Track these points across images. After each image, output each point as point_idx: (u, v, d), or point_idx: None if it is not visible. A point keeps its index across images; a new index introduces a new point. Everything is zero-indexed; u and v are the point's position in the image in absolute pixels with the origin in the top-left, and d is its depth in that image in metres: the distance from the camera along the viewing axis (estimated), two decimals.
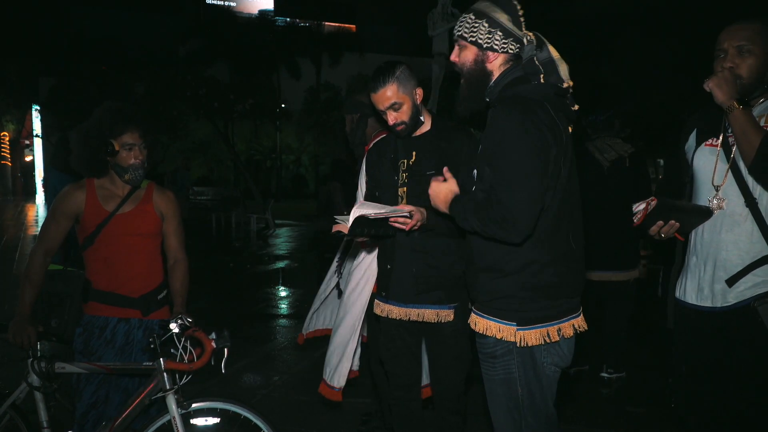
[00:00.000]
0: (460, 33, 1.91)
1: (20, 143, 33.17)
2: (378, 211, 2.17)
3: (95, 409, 2.46)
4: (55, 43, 25.02)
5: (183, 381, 2.16)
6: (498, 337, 1.87)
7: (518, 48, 1.87)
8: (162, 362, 2.14)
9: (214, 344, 2.10)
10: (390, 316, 2.55)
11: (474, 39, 1.87)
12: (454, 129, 2.57)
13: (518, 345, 1.85)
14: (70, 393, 2.56)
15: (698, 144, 2.11)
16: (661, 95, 20.46)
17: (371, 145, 3.02)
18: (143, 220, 2.53)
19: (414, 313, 2.50)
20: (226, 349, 2.14)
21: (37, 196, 30.27)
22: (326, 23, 31.77)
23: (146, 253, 2.55)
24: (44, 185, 28.09)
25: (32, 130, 31.42)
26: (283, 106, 27.51)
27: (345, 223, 2.20)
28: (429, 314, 2.49)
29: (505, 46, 1.86)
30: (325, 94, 28.46)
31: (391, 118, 2.41)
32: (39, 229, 2.56)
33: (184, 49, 27.40)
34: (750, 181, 1.93)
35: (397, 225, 2.26)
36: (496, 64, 1.90)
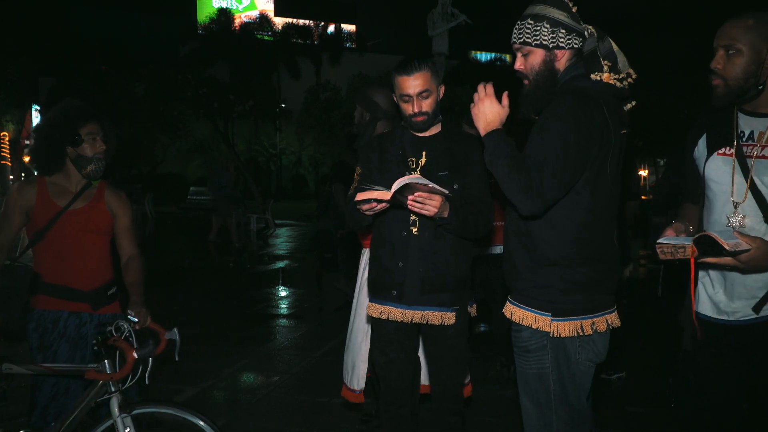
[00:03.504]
0: (522, 40, 1.93)
1: (20, 143, 33.14)
2: (424, 183, 2.13)
3: (56, 401, 2.47)
4: (55, 43, 24.96)
5: (127, 384, 2.14)
6: (534, 327, 1.92)
7: (581, 42, 1.91)
8: (107, 365, 2.11)
9: (135, 354, 2.07)
10: (390, 319, 2.47)
11: (539, 42, 1.90)
12: (462, 133, 2.57)
13: (552, 335, 1.89)
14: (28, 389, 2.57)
15: (710, 152, 1.96)
16: (662, 95, 20.45)
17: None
18: (95, 217, 2.55)
19: (418, 315, 2.44)
20: (151, 360, 2.13)
21: None
22: (326, 23, 31.74)
23: (97, 249, 2.58)
24: None
25: (32, 130, 31.35)
26: (282, 106, 27.47)
27: (378, 190, 2.14)
28: (433, 317, 2.43)
29: (569, 41, 1.90)
30: (325, 94, 28.41)
31: (416, 106, 2.37)
32: None
33: (184, 49, 27.36)
34: None
35: (422, 210, 2.21)
36: (563, 61, 1.93)
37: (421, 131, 2.46)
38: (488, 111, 1.93)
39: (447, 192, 2.20)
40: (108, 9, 29.80)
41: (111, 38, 25.49)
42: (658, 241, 1.79)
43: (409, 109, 2.39)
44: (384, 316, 2.49)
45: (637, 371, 4.30)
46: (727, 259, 1.71)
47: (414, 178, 2.14)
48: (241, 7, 33.15)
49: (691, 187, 2.09)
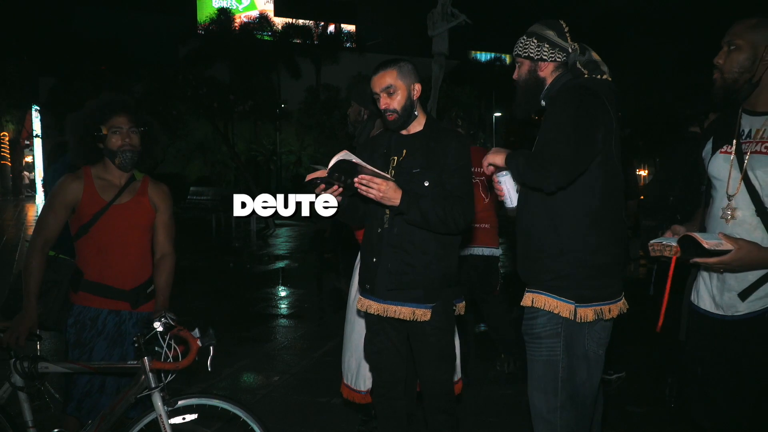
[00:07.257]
0: (516, 53, 2.25)
1: (20, 143, 33.16)
2: (361, 163, 2.20)
3: (90, 398, 2.46)
4: (55, 43, 25.00)
5: (168, 379, 2.13)
6: (555, 311, 2.06)
7: (565, 56, 2.18)
8: (146, 361, 2.11)
9: (199, 343, 2.07)
10: (369, 311, 2.53)
11: (526, 54, 2.22)
12: (444, 130, 2.58)
13: (578, 321, 2.05)
14: (61, 386, 2.56)
15: (714, 151, 2.04)
16: (662, 95, 20.48)
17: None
18: (139, 212, 2.55)
19: (391, 310, 2.47)
20: (212, 347, 2.11)
21: (37, 196, 30.26)
22: (326, 23, 31.75)
23: (140, 245, 2.57)
24: (44, 185, 28.06)
25: (32, 130, 31.38)
26: (282, 106, 27.50)
27: (323, 169, 2.22)
28: (405, 312, 2.45)
29: (552, 55, 2.19)
30: (324, 94, 28.44)
31: (383, 102, 2.43)
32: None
33: (184, 49, 27.38)
34: (760, 189, 1.88)
35: (368, 192, 2.26)
36: (547, 72, 2.21)
37: (396, 129, 2.50)
38: (498, 152, 2.17)
39: (388, 176, 2.30)
40: (108, 9, 29.85)
41: (111, 38, 25.52)
42: (651, 241, 1.90)
43: (380, 104, 2.46)
44: (365, 309, 2.56)
45: (637, 371, 4.30)
46: (713, 260, 1.78)
47: (345, 154, 2.20)
48: (241, 7, 33.18)
49: (700, 190, 2.13)
